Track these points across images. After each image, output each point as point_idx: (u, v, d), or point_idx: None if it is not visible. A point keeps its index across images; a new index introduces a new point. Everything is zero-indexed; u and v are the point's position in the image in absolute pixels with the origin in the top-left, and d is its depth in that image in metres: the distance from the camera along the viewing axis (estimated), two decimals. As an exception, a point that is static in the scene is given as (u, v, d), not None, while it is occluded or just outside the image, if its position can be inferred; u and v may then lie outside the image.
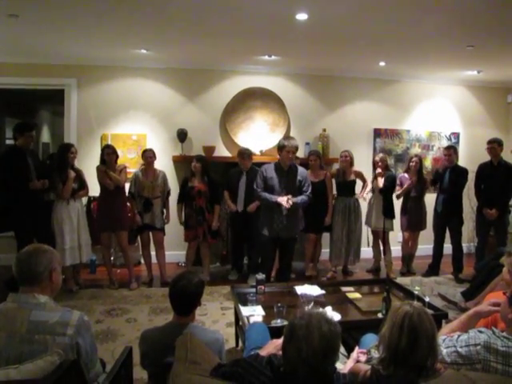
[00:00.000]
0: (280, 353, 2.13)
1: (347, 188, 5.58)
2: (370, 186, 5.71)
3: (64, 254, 4.61)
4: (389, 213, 5.61)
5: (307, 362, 1.50)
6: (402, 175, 5.85)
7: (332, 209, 5.58)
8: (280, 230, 4.49)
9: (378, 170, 5.53)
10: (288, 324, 1.63)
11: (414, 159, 5.73)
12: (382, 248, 5.86)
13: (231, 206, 5.45)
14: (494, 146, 5.33)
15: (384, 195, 5.57)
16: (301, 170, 4.62)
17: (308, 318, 1.58)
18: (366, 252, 6.03)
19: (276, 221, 4.47)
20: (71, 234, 4.77)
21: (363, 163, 5.91)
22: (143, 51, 5.51)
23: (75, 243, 4.81)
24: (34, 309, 1.80)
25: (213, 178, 5.34)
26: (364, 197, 5.68)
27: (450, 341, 1.86)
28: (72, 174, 4.78)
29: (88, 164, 5.35)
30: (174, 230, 5.55)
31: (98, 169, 4.94)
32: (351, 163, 5.57)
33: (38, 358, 1.67)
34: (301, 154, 6.19)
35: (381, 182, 5.50)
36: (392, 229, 5.73)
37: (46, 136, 9.85)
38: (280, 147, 4.45)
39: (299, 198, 4.45)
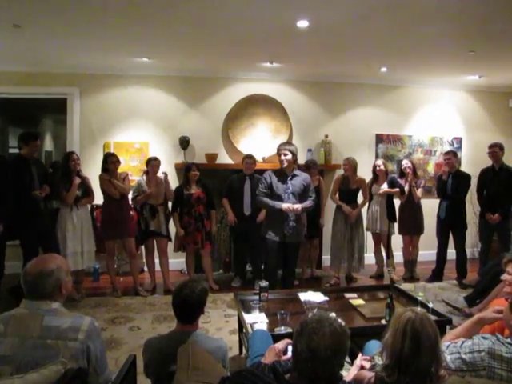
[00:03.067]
0: (283, 358, 2.14)
1: (350, 196, 5.59)
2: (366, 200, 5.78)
3: (66, 260, 4.62)
4: (392, 216, 5.64)
5: (317, 356, 1.50)
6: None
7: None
8: (287, 235, 4.45)
9: (384, 188, 5.58)
10: (300, 322, 1.64)
11: (404, 162, 5.81)
12: (384, 253, 5.86)
13: (231, 217, 5.43)
14: (496, 150, 5.33)
15: (387, 199, 5.59)
16: (304, 175, 4.60)
17: (320, 315, 1.63)
18: (369, 258, 6.02)
19: (283, 225, 4.42)
20: (73, 241, 4.77)
21: (365, 169, 5.89)
22: (145, 59, 5.54)
23: (77, 249, 4.80)
24: (46, 314, 1.84)
25: (207, 184, 5.36)
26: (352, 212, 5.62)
27: (454, 347, 1.85)
28: (77, 180, 4.79)
29: (91, 172, 5.36)
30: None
31: (102, 178, 4.95)
32: (355, 170, 5.58)
33: (43, 366, 1.68)
34: (303, 160, 6.22)
35: (384, 186, 5.55)
36: (394, 232, 5.76)
37: (48, 144, 9.89)
38: (277, 152, 4.50)
39: (306, 203, 4.44)
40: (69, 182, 4.75)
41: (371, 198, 5.76)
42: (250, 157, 5.51)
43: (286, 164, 4.39)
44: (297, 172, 4.52)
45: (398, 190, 5.58)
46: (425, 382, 1.62)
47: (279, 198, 4.39)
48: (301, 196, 4.49)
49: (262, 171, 5.00)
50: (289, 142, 4.79)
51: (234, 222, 5.47)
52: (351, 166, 5.53)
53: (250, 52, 5.30)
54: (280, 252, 4.53)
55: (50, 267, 1.92)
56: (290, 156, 4.39)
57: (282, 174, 4.44)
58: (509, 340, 1.79)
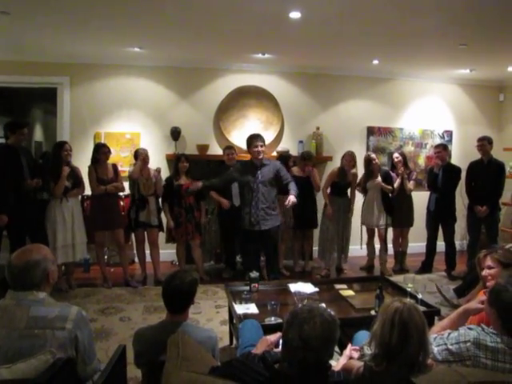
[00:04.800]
0: (274, 350, 2.15)
1: (344, 189, 5.62)
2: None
3: (56, 253, 4.56)
4: (388, 209, 5.67)
5: (308, 345, 1.52)
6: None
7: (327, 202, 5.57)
8: (259, 222, 4.63)
9: (379, 180, 5.57)
10: (290, 312, 1.66)
11: (394, 156, 5.83)
12: (379, 246, 5.85)
13: (225, 202, 5.32)
14: (484, 143, 5.36)
15: (383, 192, 5.61)
16: (274, 163, 4.80)
17: (310, 305, 1.65)
18: (360, 250, 6.05)
19: (254, 213, 4.62)
20: (64, 233, 4.72)
21: (357, 161, 5.91)
22: (136, 49, 5.49)
23: (68, 242, 4.76)
24: (33, 305, 1.82)
25: (195, 176, 5.33)
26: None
27: (440, 339, 1.88)
28: (66, 170, 4.70)
29: (81, 162, 5.31)
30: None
31: (91, 171, 4.92)
32: (355, 165, 5.58)
33: (33, 355, 1.67)
34: (294, 152, 6.23)
35: (379, 180, 5.55)
36: (390, 225, 5.78)
37: (38, 134, 9.81)
38: (251, 144, 4.70)
39: (294, 189, 4.61)
40: (58, 172, 4.66)
41: (366, 192, 5.74)
42: (229, 147, 5.59)
43: (262, 155, 4.64)
44: (266, 161, 4.72)
45: (390, 187, 5.58)
46: (412, 370, 1.64)
47: (250, 189, 4.63)
48: (272, 184, 4.70)
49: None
50: (259, 135, 4.86)
51: (228, 205, 5.33)
52: (355, 161, 5.52)
53: (241, 43, 5.27)
54: (256, 241, 4.72)
55: (36, 258, 1.90)
56: (264, 148, 4.68)
57: (252, 166, 4.65)
58: (492, 330, 1.82)
